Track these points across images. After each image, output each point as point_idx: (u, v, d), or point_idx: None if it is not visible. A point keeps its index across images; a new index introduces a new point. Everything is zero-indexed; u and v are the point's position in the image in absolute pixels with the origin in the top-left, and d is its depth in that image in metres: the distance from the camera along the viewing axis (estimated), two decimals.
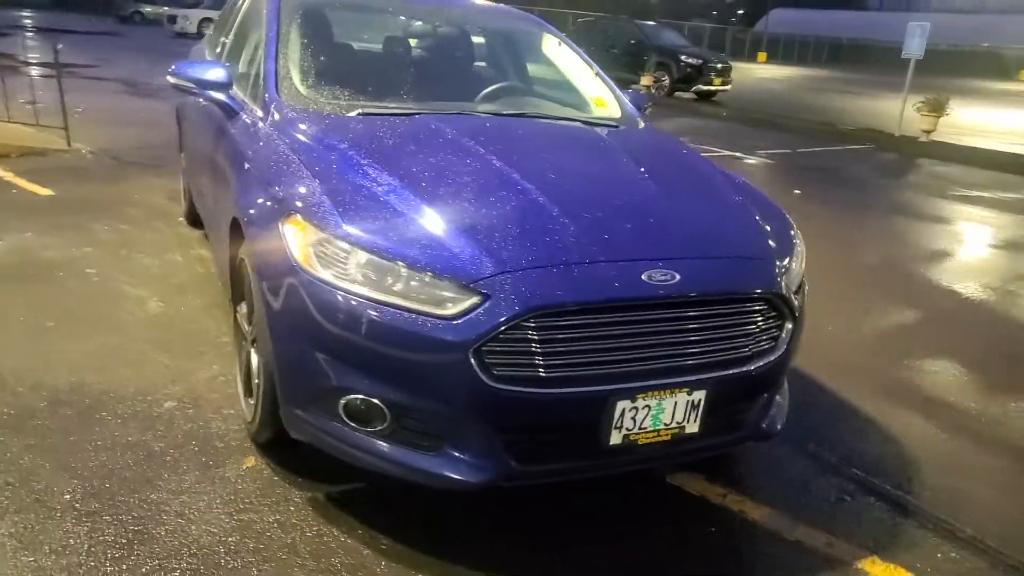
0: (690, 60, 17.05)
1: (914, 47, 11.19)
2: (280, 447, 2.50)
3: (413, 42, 3.66)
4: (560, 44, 3.77)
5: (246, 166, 2.67)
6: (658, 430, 2.16)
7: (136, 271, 4.15)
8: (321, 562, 2.12)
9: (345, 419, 2.12)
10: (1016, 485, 2.86)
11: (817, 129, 13.13)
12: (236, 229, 2.66)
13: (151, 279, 4.05)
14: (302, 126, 2.69)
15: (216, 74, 3.03)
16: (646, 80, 16.33)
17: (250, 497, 2.37)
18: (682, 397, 2.16)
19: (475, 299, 1.97)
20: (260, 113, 2.86)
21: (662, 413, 2.15)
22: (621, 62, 16.69)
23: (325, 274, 2.09)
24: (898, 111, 11.99)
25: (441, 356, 1.98)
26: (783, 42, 45.39)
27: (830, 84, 27.69)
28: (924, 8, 49.30)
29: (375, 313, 2.01)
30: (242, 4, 3.89)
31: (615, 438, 2.11)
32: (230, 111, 3.05)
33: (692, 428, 2.21)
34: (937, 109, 11.48)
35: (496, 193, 2.37)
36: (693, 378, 2.16)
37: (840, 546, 2.39)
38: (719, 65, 17.16)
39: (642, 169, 2.76)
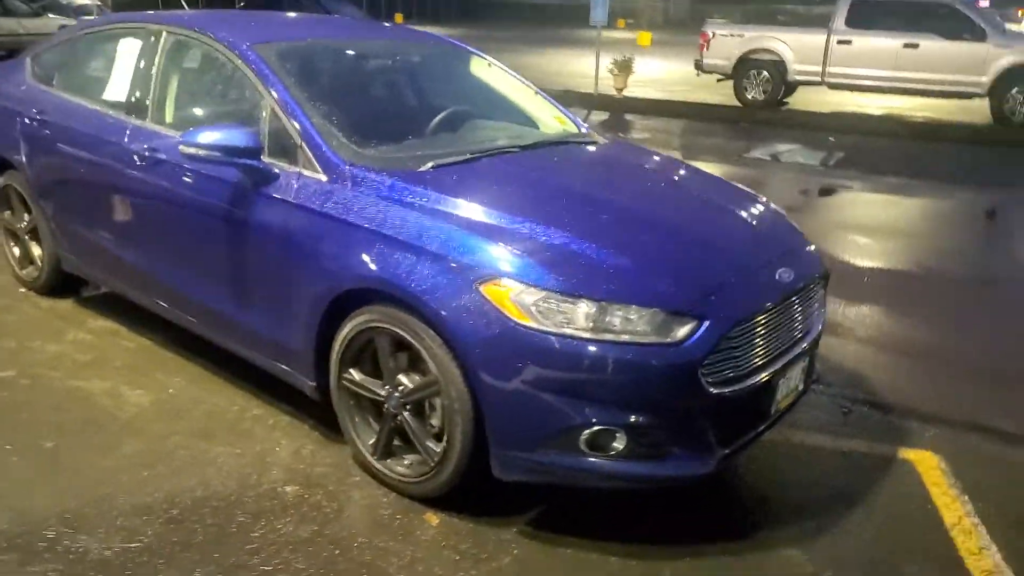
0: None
1: (599, 16, 12.73)
2: (454, 497, 2.63)
3: (381, 80, 3.67)
4: (491, 66, 4.04)
5: (347, 236, 2.65)
6: (789, 393, 2.75)
7: (56, 361, 3.62)
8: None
9: (584, 450, 2.37)
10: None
11: None
12: (336, 302, 2.69)
13: (86, 367, 3.58)
14: (400, 187, 2.71)
15: (244, 139, 2.86)
16: None
17: (461, 546, 2.50)
18: (800, 364, 2.76)
19: (693, 323, 2.35)
20: (322, 177, 2.80)
21: (792, 379, 2.73)
22: None
23: (550, 326, 2.30)
24: (581, 71, 13.47)
25: (673, 377, 2.33)
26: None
27: (492, 44, 29.58)
28: None
29: (607, 352, 2.29)
30: (151, 60, 3.51)
31: (774, 407, 2.65)
32: (264, 179, 2.91)
33: (800, 386, 2.83)
34: (626, 69, 13.22)
35: (629, 225, 2.73)
36: (803, 347, 2.77)
37: (876, 448, 3.19)
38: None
39: (683, 185, 3.26)
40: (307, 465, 2.90)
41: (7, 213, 4.46)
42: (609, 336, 2.30)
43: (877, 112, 12.95)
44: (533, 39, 27.89)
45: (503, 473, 2.48)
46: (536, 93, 3.98)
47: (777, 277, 2.66)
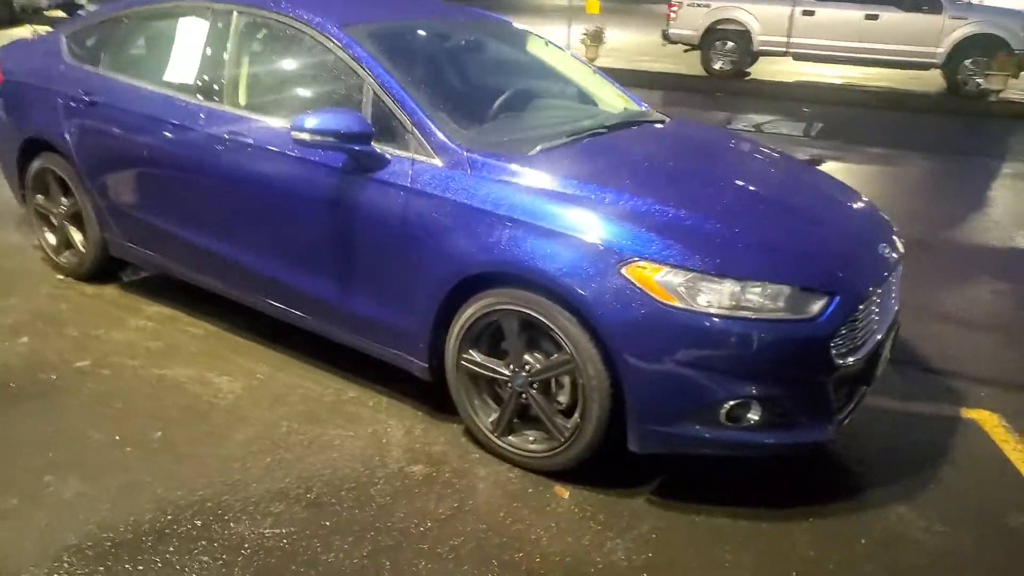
0: None
1: None
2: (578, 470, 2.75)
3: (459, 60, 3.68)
4: (548, 45, 4.08)
5: (474, 221, 2.70)
6: (884, 361, 2.94)
7: (128, 349, 3.58)
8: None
9: (723, 422, 2.51)
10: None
11: None
12: (459, 285, 2.76)
13: (162, 354, 3.55)
14: (522, 171, 2.78)
15: (358, 124, 2.86)
16: None
17: (598, 516, 2.62)
18: (891, 334, 2.95)
19: (825, 299, 2.50)
20: (437, 162, 2.83)
21: (886, 348, 2.92)
22: None
23: (696, 306, 2.42)
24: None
25: (807, 351, 2.49)
26: None
27: None
28: None
29: (749, 329, 2.42)
30: (222, 41, 3.45)
31: (877, 374, 2.84)
32: (375, 164, 2.92)
33: (889, 355, 3.02)
34: (597, 39, 13.29)
35: (749, 204, 2.89)
36: (896, 318, 2.96)
37: (941, 409, 3.42)
38: None
39: (774, 164, 3.42)
40: (423, 444, 2.97)
41: (40, 197, 4.33)
42: (751, 314, 2.43)
43: (838, 82, 13.34)
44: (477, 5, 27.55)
45: (640, 446, 2.60)
46: (594, 72, 4.04)
47: (883, 253, 2.83)
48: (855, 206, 3.16)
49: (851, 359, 2.59)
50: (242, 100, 3.39)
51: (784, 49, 12.89)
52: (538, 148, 2.97)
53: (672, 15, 13.60)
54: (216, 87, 3.44)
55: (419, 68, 3.24)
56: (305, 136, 2.86)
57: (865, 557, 2.50)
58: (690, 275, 2.44)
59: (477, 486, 2.75)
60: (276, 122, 3.21)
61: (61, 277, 4.34)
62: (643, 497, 2.74)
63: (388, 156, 2.92)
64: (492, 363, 2.83)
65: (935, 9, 11.89)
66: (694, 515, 2.66)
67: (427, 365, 2.99)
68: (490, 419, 2.88)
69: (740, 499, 2.74)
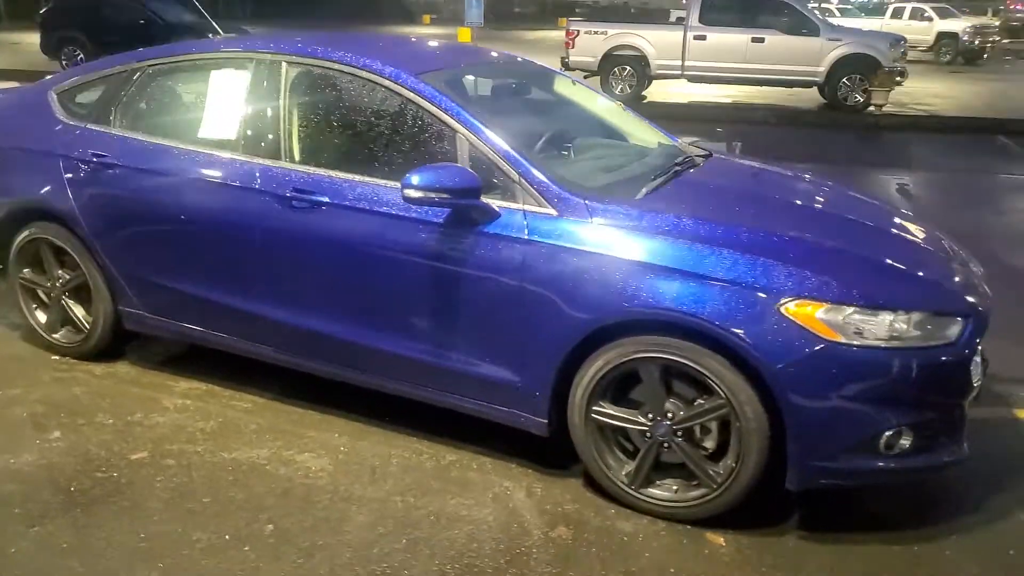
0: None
1: (474, 17, 12.83)
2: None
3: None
4: (576, 84, 4.08)
5: (605, 270, 2.65)
6: None
7: (181, 434, 3.25)
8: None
9: (881, 451, 2.56)
10: None
11: None
12: (590, 337, 2.69)
13: (222, 435, 3.25)
14: (645, 215, 2.76)
15: (469, 179, 2.75)
16: None
17: (765, 560, 2.60)
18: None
19: (962, 322, 2.61)
20: (551, 211, 2.76)
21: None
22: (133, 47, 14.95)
23: (857, 339, 2.47)
24: None
25: (954, 375, 2.60)
26: None
27: None
28: None
29: (906, 358, 2.50)
30: (272, 93, 3.23)
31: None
32: (485, 218, 2.81)
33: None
34: None
35: (865, 235, 3.02)
36: None
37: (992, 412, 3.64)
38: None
39: (834, 192, 3.56)
40: (553, 505, 2.86)
41: (28, 272, 3.88)
42: (903, 343, 2.50)
43: (726, 100, 14.06)
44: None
45: (799, 484, 2.62)
46: (624, 108, 4.07)
47: (976, 272, 2.99)
48: (926, 229, 3.33)
49: (979, 378, 2.71)
50: (306, 156, 3.18)
51: (679, 72, 13.50)
52: (643, 191, 2.96)
53: (570, 43, 13.97)
54: (270, 143, 3.21)
55: (499, 116, 3.14)
56: (417, 193, 2.72)
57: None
58: (849, 309, 2.48)
59: (632, 544, 2.67)
60: (357, 179, 3.03)
61: (57, 358, 3.90)
62: (793, 535, 2.75)
63: (497, 209, 2.82)
64: (627, 413, 2.77)
65: (813, 32, 12.83)
66: (850, 545, 2.70)
67: (546, 421, 2.89)
68: (624, 472, 2.81)
69: (876, 526, 2.81)
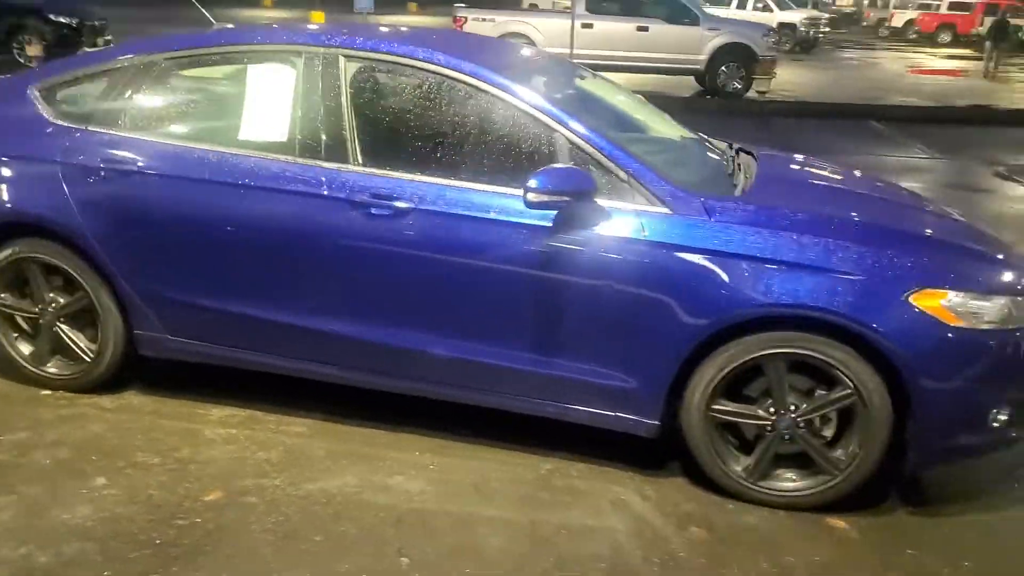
0: (63, 19, 14.74)
1: (364, 3, 12.40)
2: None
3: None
4: (596, 77, 4.03)
5: (731, 268, 2.65)
6: None
7: (248, 468, 2.95)
8: None
9: (992, 426, 2.72)
10: None
11: None
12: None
13: (292, 466, 2.97)
14: (764, 211, 2.80)
15: (587, 180, 2.66)
16: (34, 50, 13.59)
17: (884, 539, 2.71)
18: None
19: None
20: (666, 211, 2.72)
21: None
22: None
23: (977, 324, 2.61)
24: None
25: None
26: None
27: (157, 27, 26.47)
28: None
29: (1017, 339, 2.66)
30: (331, 91, 2.97)
31: None
32: (598, 219, 2.72)
33: None
34: None
35: (935, 225, 3.17)
36: None
37: None
38: (97, 23, 15.28)
39: (880, 184, 3.73)
40: (673, 506, 2.85)
41: (6, 296, 3.37)
42: (1014, 324, 2.66)
43: None
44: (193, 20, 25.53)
45: (920, 464, 2.76)
46: (645, 102, 4.06)
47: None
48: (960, 215, 3.56)
49: None
50: (381, 160, 2.93)
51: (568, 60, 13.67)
52: (739, 187, 2.97)
53: (458, 30, 13.81)
54: (334, 145, 2.94)
55: (585, 113, 3.04)
56: (540, 196, 2.61)
57: None
58: (969, 296, 2.61)
59: (768, 537, 2.70)
60: (447, 183, 2.85)
61: (48, 393, 3.42)
62: (901, 511, 2.88)
63: (607, 209, 2.74)
64: (747, 409, 2.78)
65: (694, 22, 13.40)
66: (954, 515, 2.86)
67: (658, 423, 2.86)
68: (741, 467, 2.83)
69: (966, 496, 2.99)
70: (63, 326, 3.36)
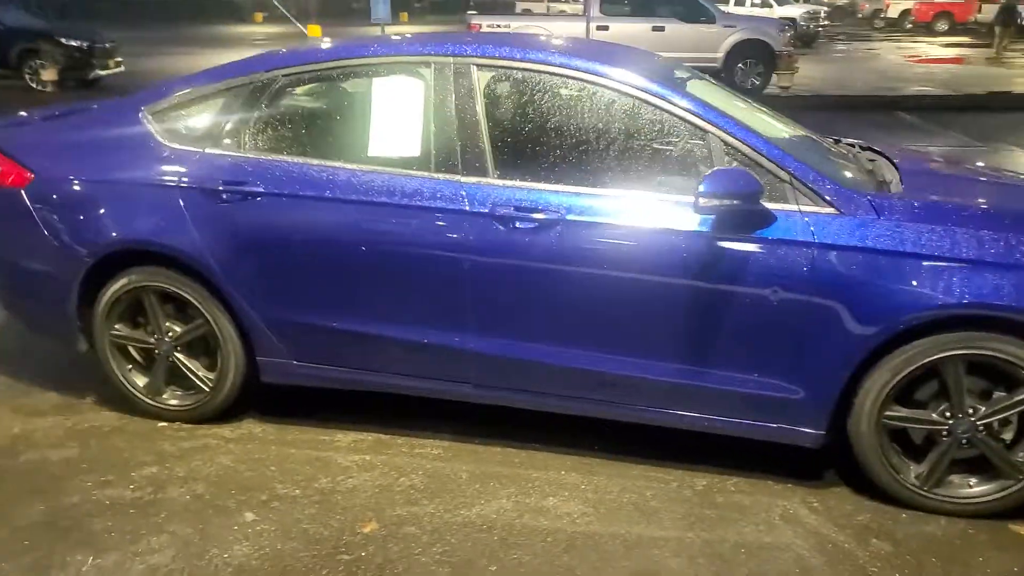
0: (74, 43, 14.59)
1: (381, 13, 12.31)
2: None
3: None
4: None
5: (910, 268, 2.55)
6: None
7: (392, 495, 2.84)
8: None
9: None
10: None
11: None
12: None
13: (438, 493, 2.86)
14: (933, 207, 2.74)
15: (754, 183, 2.56)
16: (49, 75, 13.46)
17: None
18: None
19: None
20: (831, 211, 2.62)
21: None
22: None
23: None
24: None
25: None
26: None
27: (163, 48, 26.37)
28: None
29: None
30: (465, 103, 2.87)
31: None
32: (763, 223, 2.62)
33: None
34: None
35: None
36: None
37: None
38: (108, 45, 15.14)
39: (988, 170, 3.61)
40: (845, 517, 2.74)
41: (121, 327, 3.25)
42: None
43: None
44: (188, 39, 25.47)
45: None
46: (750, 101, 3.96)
47: None
48: None
49: None
50: (523, 171, 2.83)
51: None
52: (891, 184, 2.88)
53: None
54: (472, 158, 2.84)
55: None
56: (713, 201, 2.51)
57: None
58: None
59: (956, 548, 2.59)
60: (593, 191, 2.75)
61: (165, 424, 3.30)
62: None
63: (772, 212, 2.64)
64: (922, 414, 2.68)
65: (710, 20, 13.36)
66: None
67: (824, 432, 2.76)
68: (914, 474, 2.73)
69: None
70: (179, 355, 3.24)
